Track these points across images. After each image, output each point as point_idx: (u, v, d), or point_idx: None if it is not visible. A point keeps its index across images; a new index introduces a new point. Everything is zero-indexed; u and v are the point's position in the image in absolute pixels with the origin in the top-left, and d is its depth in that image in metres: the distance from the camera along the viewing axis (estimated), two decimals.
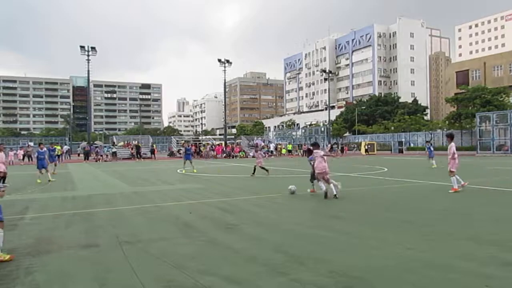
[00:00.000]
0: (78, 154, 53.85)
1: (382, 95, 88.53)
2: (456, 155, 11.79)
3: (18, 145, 57.87)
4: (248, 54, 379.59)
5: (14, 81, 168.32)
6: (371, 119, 78.38)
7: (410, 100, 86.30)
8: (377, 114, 78.25)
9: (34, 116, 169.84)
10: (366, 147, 54.75)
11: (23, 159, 38.49)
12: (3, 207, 5.48)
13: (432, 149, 25.88)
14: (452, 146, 11.87)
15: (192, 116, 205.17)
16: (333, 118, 78.97)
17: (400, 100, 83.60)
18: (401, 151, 56.15)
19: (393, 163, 29.54)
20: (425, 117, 76.94)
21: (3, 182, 14.78)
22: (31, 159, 36.22)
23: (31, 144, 50.31)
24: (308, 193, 11.78)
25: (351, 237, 6.26)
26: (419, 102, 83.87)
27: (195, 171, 21.75)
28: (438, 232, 6.45)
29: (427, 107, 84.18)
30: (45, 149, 18.78)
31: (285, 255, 5.25)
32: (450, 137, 12.25)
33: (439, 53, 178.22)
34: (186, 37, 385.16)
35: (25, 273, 4.73)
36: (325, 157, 11.24)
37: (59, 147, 38.30)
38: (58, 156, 37.30)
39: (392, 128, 67.42)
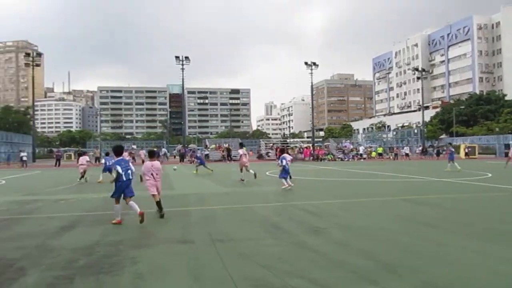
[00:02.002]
0: (174, 156, 57.30)
1: (484, 93, 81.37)
2: None
3: (127, 147, 63.47)
4: (335, 56, 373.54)
5: (120, 91, 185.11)
6: (471, 120, 72.47)
7: None
8: (479, 114, 72.12)
9: (136, 121, 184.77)
10: (466, 150, 50.72)
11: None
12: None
13: None
14: None
15: (279, 119, 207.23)
16: (427, 119, 74.41)
17: (506, 98, 76.08)
18: (507, 155, 51.07)
19: (498, 168, 27.04)
20: None
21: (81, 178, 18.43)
22: (135, 161, 39.43)
23: (134, 147, 54.65)
24: (396, 199, 11.32)
25: (445, 246, 5.91)
26: None
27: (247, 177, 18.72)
28: None
29: None
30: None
31: (375, 262, 5.13)
32: None
33: None
34: (273, 41, 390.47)
35: (130, 263, 5.23)
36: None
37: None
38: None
39: (497, 129, 61.61)
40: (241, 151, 18.91)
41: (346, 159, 45.70)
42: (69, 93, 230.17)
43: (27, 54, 54.25)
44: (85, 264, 5.25)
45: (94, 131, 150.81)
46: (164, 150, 46.04)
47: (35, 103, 59.33)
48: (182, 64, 54.07)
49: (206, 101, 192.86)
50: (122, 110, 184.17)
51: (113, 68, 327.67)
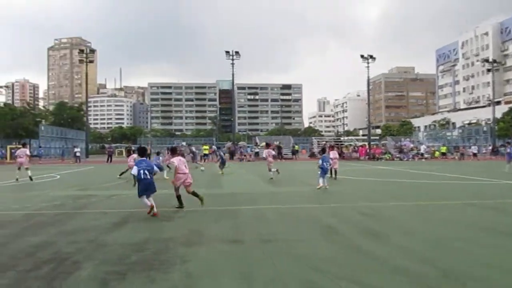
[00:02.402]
0: (224, 154, 58.21)
1: None
2: None
3: (172, 144, 65.20)
4: (393, 48, 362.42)
5: (170, 87, 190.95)
6: None
7: None
8: None
9: (186, 118, 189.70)
10: None
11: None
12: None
13: None
14: None
15: (333, 116, 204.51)
16: (498, 115, 70.31)
17: None
18: None
19: None
20: None
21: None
22: (184, 157, 40.47)
23: (183, 143, 56.09)
24: (462, 203, 10.82)
25: None
26: None
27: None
28: None
29: None
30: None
31: (437, 270, 4.94)
32: None
33: None
34: (325, 34, 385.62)
35: (181, 261, 5.39)
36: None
37: (207, 147, 42.07)
38: (206, 155, 41.01)
39: None
40: (266, 151, 19.78)
41: (405, 159, 44.29)
42: (120, 89, 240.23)
43: (81, 51, 57.29)
44: (136, 260, 5.47)
45: (144, 127, 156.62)
46: (192, 148, 46.86)
47: (88, 99, 62.53)
48: (232, 59, 54.77)
49: (257, 97, 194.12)
50: (172, 107, 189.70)
51: (164, 64, 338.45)
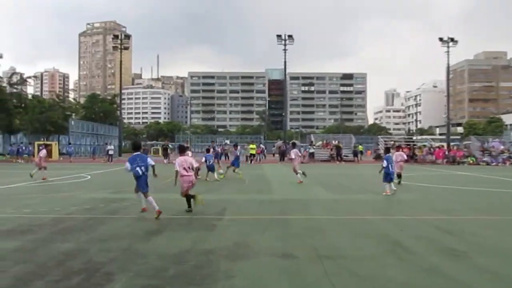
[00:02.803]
0: (273, 154, 58.41)
1: None
2: None
3: (215, 143, 66.19)
4: (480, 29, 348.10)
5: (212, 77, 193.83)
6: None
7: None
8: None
9: (230, 112, 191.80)
10: None
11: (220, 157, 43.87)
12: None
13: None
14: None
15: (403, 111, 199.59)
16: None
17: None
18: None
19: None
20: None
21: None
22: (227, 158, 40.96)
23: (228, 142, 56.85)
24: None
25: None
26: None
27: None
28: None
29: None
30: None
31: None
32: None
33: None
34: (394, 14, 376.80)
35: (225, 277, 5.47)
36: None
37: (254, 146, 42.35)
38: (253, 155, 41.34)
39: None
40: (293, 153, 20.47)
41: (493, 163, 42.49)
42: (157, 79, 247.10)
43: (115, 36, 59.40)
44: (174, 274, 5.61)
45: (183, 122, 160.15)
46: (262, 146, 46.92)
47: (122, 91, 64.71)
48: (285, 44, 54.75)
49: (312, 88, 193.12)
50: (214, 99, 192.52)
51: (206, 51, 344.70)
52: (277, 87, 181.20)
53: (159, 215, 9.65)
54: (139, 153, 10.33)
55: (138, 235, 7.93)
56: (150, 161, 10.28)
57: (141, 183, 10.06)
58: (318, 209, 11.49)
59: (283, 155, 44.91)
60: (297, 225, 9.08)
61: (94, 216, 10.21)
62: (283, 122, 64.69)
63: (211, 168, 20.24)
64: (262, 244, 7.30)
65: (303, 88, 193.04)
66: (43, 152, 21.71)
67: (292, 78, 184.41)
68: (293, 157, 20.41)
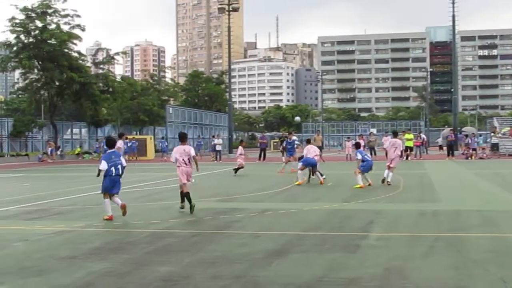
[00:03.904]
0: (440, 147, 56.49)
1: None
2: None
3: (356, 132, 65.61)
4: None
5: (351, 42, 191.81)
6: None
7: None
8: None
9: (376, 90, 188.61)
10: None
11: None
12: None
13: None
14: None
15: None
16: None
17: None
18: None
19: None
20: None
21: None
22: (375, 153, 40.43)
23: (374, 131, 56.01)
24: None
25: None
26: None
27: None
28: None
29: None
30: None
31: None
32: None
33: None
34: None
35: None
36: None
37: (411, 136, 41.27)
38: (410, 148, 40.26)
39: None
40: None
41: None
42: (277, 49, 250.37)
43: None
44: None
45: (312, 106, 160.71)
46: (423, 136, 45.30)
47: (232, 66, 66.24)
48: None
49: (494, 52, 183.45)
50: (354, 73, 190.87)
51: (341, 6, 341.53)
52: (442, 53, 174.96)
53: (125, 209, 11.91)
54: (114, 150, 12.53)
55: (256, 258, 8.09)
56: (123, 161, 12.51)
57: (115, 183, 12.01)
58: (508, 225, 10.92)
59: (451, 147, 43.28)
60: (477, 247, 8.68)
61: (199, 231, 10.64)
62: (452, 102, 62.15)
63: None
64: (424, 272, 7.09)
65: (480, 53, 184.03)
66: (121, 143, 23.14)
67: (465, 38, 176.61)
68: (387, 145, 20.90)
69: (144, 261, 7.97)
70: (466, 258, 7.96)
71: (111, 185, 11.88)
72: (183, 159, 12.95)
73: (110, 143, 12.86)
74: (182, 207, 13.14)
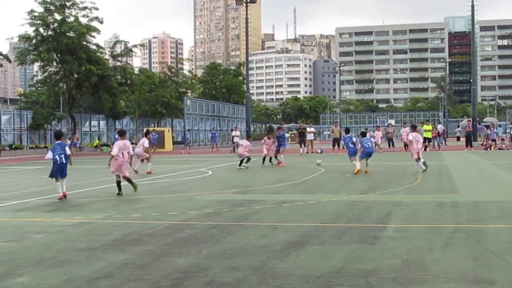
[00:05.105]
0: (458, 138, 56.17)
1: None
2: None
3: (374, 124, 65.35)
4: None
5: (369, 33, 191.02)
6: None
7: None
8: None
9: (395, 81, 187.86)
10: None
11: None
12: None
13: None
14: None
15: None
16: None
17: None
18: None
19: None
20: None
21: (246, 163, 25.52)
22: (393, 144, 40.31)
23: (392, 122, 55.85)
24: None
25: None
26: None
27: None
28: None
29: None
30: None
31: None
32: None
33: None
34: None
35: None
36: None
37: (429, 127, 41.07)
38: (429, 139, 40.09)
39: None
40: (408, 135, 22.09)
41: None
42: (295, 40, 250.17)
43: None
44: None
45: (330, 97, 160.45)
46: (441, 126, 45.19)
47: (250, 58, 66.41)
48: None
49: None
50: (372, 64, 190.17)
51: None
52: (462, 43, 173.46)
53: (62, 199, 14.26)
54: (60, 141, 14.83)
55: (273, 249, 8.11)
56: (68, 150, 14.65)
57: (62, 170, 14.27)
58: None
59: (469, 138, 43.00)
60: (497, 239, 8.61)
61: (217, 223, 10.68)
62: (471, 92, 61.66)
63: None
64: (443, 264, 7.06)
65: (500, 42, 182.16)
66: (145, 141, 23.35)
67: (484, 28, 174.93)
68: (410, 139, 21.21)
69: (163, 253, 8.03)
70: (485, 249, 7.91)
71: (57, 171, 14.20)
72: (122, 153, 14.97)
73: (57, 135, 15.84)
74: (120, 194, 15.12)
